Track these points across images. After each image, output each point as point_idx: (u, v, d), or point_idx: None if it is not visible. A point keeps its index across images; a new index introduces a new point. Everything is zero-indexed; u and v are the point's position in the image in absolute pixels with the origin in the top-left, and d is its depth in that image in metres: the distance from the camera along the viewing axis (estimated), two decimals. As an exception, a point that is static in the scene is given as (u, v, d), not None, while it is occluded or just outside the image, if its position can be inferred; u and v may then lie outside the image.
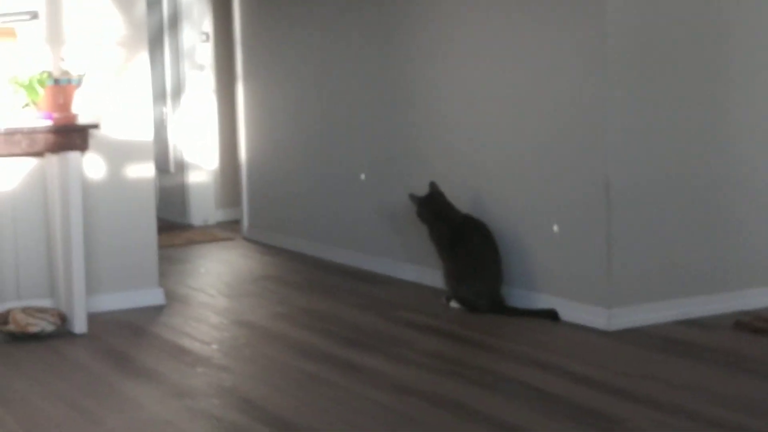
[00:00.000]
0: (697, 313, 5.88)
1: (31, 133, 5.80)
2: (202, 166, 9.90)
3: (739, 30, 6.00)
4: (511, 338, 5.65)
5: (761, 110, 6.10)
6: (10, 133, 5.77)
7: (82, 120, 6.03)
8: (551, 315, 5.92)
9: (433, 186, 6.45)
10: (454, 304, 6.26)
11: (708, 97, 5.92)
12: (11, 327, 5.76)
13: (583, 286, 5.84)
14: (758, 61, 6.07)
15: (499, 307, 6.12)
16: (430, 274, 6.80)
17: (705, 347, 5.35)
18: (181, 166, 9.91)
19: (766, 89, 6.10)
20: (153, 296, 6.52)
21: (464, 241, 6.25)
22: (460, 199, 6.45)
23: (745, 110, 6.04)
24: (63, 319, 5.87)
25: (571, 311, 5.86)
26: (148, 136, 6.49)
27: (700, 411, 4.38)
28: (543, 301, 6.04)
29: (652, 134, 5.78)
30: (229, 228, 9.54)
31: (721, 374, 4.92)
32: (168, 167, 9.99)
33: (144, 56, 6.47)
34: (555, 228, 5.97)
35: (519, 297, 6.19)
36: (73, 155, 5.88)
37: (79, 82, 5.96)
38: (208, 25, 9.86)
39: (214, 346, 5.62)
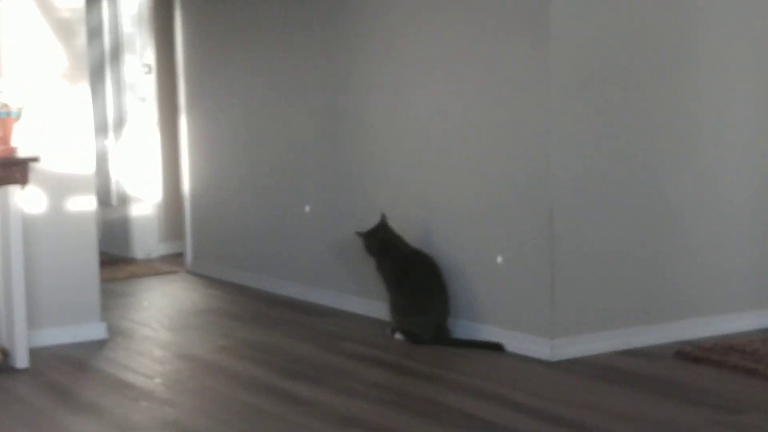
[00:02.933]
0: (639, 343, 5.92)
1: (-29, 166, 5.76)
2: (145, 198, 9.85)
3: (684, 60, 6.06)
4: (456, 369, 5.66)
5: (704, 143, 6.16)
6: (-50, 167, 5.73)
7: (22, 153, 5.98)
8: (496, 347, 5.94)
9: (382, 218, 6.46)
10: (398, 336, 6.26)
11: (652, 130, 5.97)
12: (-49, 362, 5.71)
13: (526, 317, 5.86)
14: (705, 86, 6.13)
15: (443, 339, 6.13)
16: (376, 307, 6.80)
17: (647, 377, 5.39)
18: (124, 199, 9.85)
19: (711, 121, 6.17)
20: (95, 330, 6.47)
21: (411, 274, 6.26)
22: (405, 230, 6.46)
23: (688, 145, 6.10)
24: (5, 353, 5.82)
25: (515, 342, 5.88)
26: (89, 168, 6.46)
27: (642, 440, 4.41)
28: (487, 331, 6.06)
29: (596, 167, 5.83)
30: (173, 261, 9.49)
31: (663, 403, 4.95)
32: (110, 200, 9.93)
33: (85, 88, 6.44)
34: (499, 259, 6.00)
35: (463, 328, 6.20)
36: (13, 189, 5.84)
37: (18, 115, 5.90)
38: (150, 56, 9.83)
39: (158, 380, 5.59)
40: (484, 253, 6.10)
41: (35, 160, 5.96)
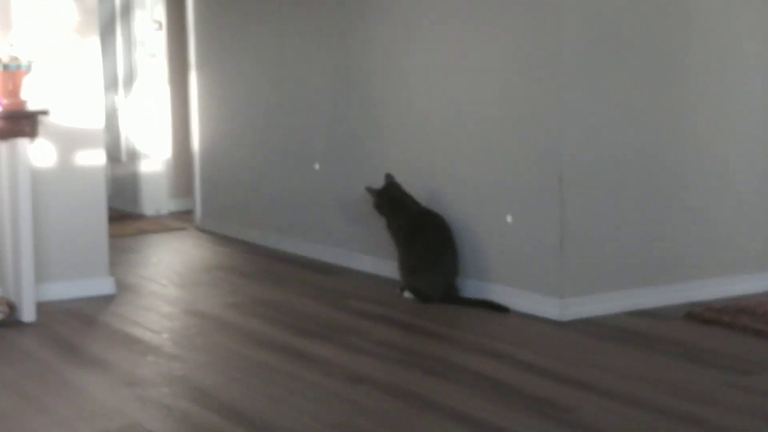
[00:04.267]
0: (649, 303, 5.90)
1: (-21, 119, 5.74)
2: (155, 155, 9.84)
3: (693, 24, 6.03)
4: (465, 328, 5.65)
5: (713, 105, 6.13)
6: (-41, 119, 5.71)
7: (32, 106, 5.96)
8: (502, 309, 5.92)
9: (388, 177, 6.44)
10: (407, 294, 6.24)
11: (661, 90, 5.95)
12: (-41, 315, 5.71)
13: (536, 277, 5.84)
14: (711, 55, 6.10)
15: (452, 298, 6.12)
16: (385, 265, 6.79)
17: (656, 337, 5.37)
18: (133, 155, 9.84)
19: (719, 83, 6.14)
20: (103, 285, 6.47)
21: (420, 233, 6.25)
22: (415, 188, 6.44)
23: (697, 104, 6.07)
24: (12, 307, 5.82)
25: (524, 301, 5.87)
26: (98, 123, 6.43)
27: (650, 400, 4.40)
28: (496, 291, 6.04)
29: (606, 127, 5.80)
30: (182, 218, 9.49)
31: (672, 364, 4.94)
32: (120, 156, 9.92)
33: (95, 43, 6.41)
34: (509, 218, 5.97)
35: (472, 287, 6.19)
36: (22, 142, 5.82)
37: (28, 68, 5.89)
38: (160, 13, 9.80)
39: (165, 335, 5.59)
40: (493, 213, 6.07)
41: (44, 113, 5.94)
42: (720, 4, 6.13)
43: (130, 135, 9.85)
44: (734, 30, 6.18)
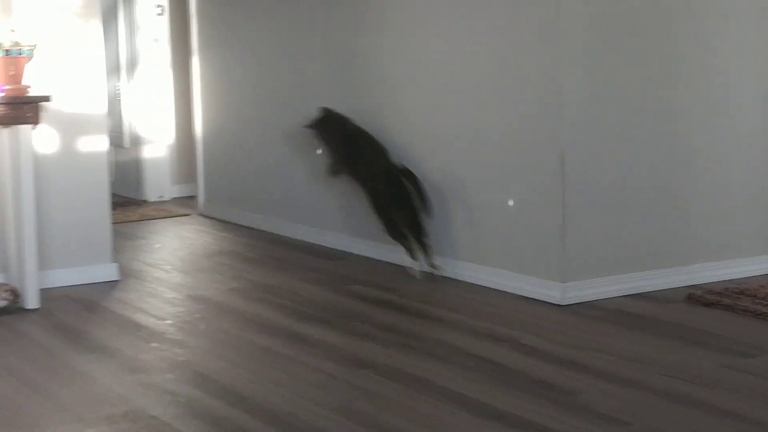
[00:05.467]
0: (650, 287, 5.91)
1: (-19, 106, 5.75)
2: (158, 141, 9.85)
3: (694, 8, 6.02)
4: (467, 312, 5.66)
5: (713, 89, 6.12)
6: (-39, 107, 5.72)
7: (34, 92, 5.96)
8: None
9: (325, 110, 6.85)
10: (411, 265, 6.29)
11: (663, 74, 5.94)
12: (-37, 302, 5.72)
13: (537, 261, 5.85)
14: (712, 41, 6.09)
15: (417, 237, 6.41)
16: (387, 250, 6.80)
17: (657, 320, 5.38)
18: (136, 141, 9.85)
19: (719, 69, 6.13)
20: (107, 271, 6.48)
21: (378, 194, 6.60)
22: (417, 172, 6.44)
23: (698, 89, 6.07)
24: (15, 294, 5.83)
25: (526, 285, 5.88)
26: (101, 109, 6.44)
27: (651, 382, 4.41)
28: (498, 275, 6.05)
29: (608, 111, 5.80)
30: (185, 204, 9.50)
31: (673, 346, 4.95)
32: (123, 142, 9.92)
33: (97, 28, 6.41)
34: (510, 202, 5.98)
35: (473, 271, 6.19)
36: (25, 129, 5.82)
37: (30, 54, 5.88)
38: (162, -2, 9.80)
39: (169, 321, 5.60)
40: (495, 197, 6.08)
41: (47, 99, 5.94)
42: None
43: (132, 121, 9.85)
44: (737, 13, 6.18)
